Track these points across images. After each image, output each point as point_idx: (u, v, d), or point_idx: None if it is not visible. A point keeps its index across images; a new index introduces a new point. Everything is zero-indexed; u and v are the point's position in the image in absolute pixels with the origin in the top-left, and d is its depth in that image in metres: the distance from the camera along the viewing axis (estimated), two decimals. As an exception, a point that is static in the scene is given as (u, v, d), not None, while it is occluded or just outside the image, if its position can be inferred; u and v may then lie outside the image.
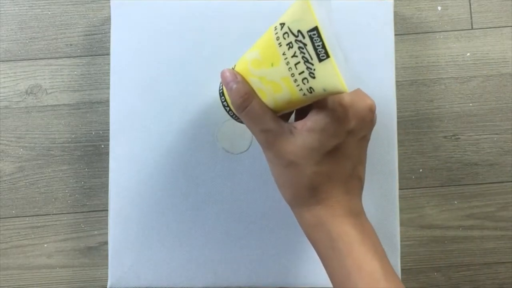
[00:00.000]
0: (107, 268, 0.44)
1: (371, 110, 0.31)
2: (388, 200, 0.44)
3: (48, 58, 0.50)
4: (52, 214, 0.50)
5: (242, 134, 0.44)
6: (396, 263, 0.44)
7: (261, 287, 0.44)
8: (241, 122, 0.34)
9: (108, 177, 0.44)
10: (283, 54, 0.27)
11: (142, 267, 0.44)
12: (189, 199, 0.44)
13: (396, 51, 0.49)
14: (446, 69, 0.51)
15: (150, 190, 0.44)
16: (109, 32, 0.45)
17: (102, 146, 0.50)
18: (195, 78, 0.44)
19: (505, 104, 0.50)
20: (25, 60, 0.50)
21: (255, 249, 0.44)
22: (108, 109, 0.44)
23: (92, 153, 0.50)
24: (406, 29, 0.51)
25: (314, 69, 0.26)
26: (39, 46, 0.50)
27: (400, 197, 0.45)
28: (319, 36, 0.25)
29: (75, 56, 0.50)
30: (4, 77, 0.50)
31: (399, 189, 0.45)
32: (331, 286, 0.44)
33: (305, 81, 0.27)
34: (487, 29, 0.51)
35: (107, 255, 0.44)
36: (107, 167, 0.44)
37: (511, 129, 0.50)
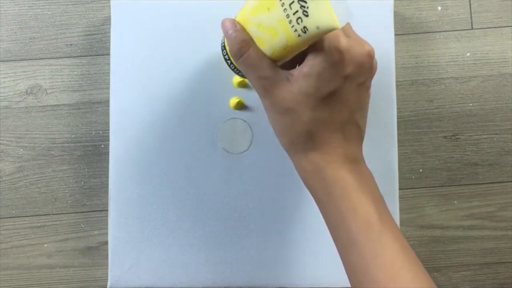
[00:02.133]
0: (107, 268, 0.44)
1: (370, 56, 0.31)
2: (388, 200, 0.44)
3: (48, 58, 0.50)
4: (52, 214, 0.50)
5: (242, 134, 0.44)
6: (396, 263, 0.44)
7: (261, 287, 0.44)
8: (242, 75, 0.35)
9: (108, 177, 0.44)
10: None
11: (142, 267, 0.44)
12: (189, 199, 0.44)
13: (396, 51, 0.49)
14: (446, 69, 0.51)
15: (150, 190, 0.44)
16: (109, 32, 0.45)
17: (102, 146, 0.50)
18: (195, 78, 0.44)
19: (505, 104, 0.50)
20: (25, 60, 0.50)
21: (255, 249, 0.44)
22: (108, 109, 0.44)
23: (92, 153, 0.50)
24: (406, 29, 0.51)
25: (307, 7, 0.27)
26: (39, 46, 0.50)
27: (400, 197, 0.45)
28: None
29: (75, 56, 0.50)
30: (4, 77, 0.50)
31: (399, 189, 0.45)
32: (331, 286, 0.44)
33: (299, 20, 0.27)
34: (487, 29, 0.51)
35: (107, 255, 0.44)
36: (107, 167, 0.44)
37: (511, 129, 0.50)
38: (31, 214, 0.49)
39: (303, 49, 0.30)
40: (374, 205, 0.30)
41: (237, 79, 0.44)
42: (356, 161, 0.32)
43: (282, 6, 0.28)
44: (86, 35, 0.51)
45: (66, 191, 0.50)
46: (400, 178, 0.45)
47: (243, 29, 0.30)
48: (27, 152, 0.50)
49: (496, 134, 0.50)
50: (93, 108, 0.50)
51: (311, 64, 0.29)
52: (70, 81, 0.50)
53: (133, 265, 0.44)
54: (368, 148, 0.44)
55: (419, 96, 0.50)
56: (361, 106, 0.32)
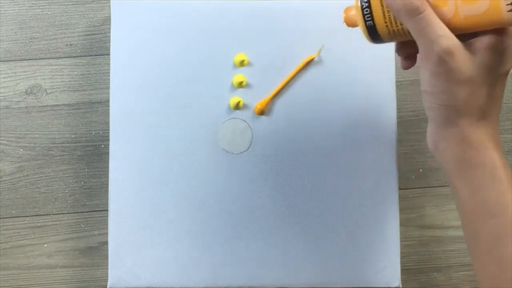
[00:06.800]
0: (107, 268, 0.44)
1: None
2: (388, 200, 0.44)
3: (48, 58, 0.50)
4: (52, 214, 0.50)
5: (242, 134, 0.44)
6: (396, 263, 0.44)
7: (261, 287, 0.44)
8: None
9: (108, 177, 0.44)
10: None
11: (142, 267, 0.44)
12: (189, 199, 0.44)
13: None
14: (446, 69, 0.51)
15: (150, 190, 0.44)
16: (109, 32, 0.45)
17: (102, 146, 0.50)
18: (195, 78, 0.44)
19: (505, 104, 0.50)
20: (25, 60, 0.50)
21: (255, 249, 0.44)
22: (108, 109, 0.44)
23: (92, 153, 0.50)
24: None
25: None
26: (39, 46, 0.50)
27: (400, 197, 0.44)
28: None
29: (75, 56, 0.50)
30: (4, 77, 0.50)
31: (399, 189, 0.45)
32: (331, 286, 0.44)
33: None
34: (487, 29, 0.51)
35: (107, 255, 0.44)
36: (107, 167, 0.44)
37: (511, 129, 0.50)
38: (31, 214, 0.49)
39: (495, 27, 0.27)
40: None
41: (237, 79, 0.44)
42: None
43: None
44: (86, 35, 0.51)
45: (66, 191, 0.50)
46: (400, 178, 0.45)
47: None
48: (27, 152, 0.50)
49: (496, 134, 0.50)
50: (93, 108, 0.50)
51: (497, 37, 0.27)
52: (70, 81, 0.50)
53: (133, 265, 0.44)
54: (368, 148, 0.44)
55: (419, 96, 0.50)
56: None
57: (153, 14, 0.45)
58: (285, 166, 0.44)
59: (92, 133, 0.50)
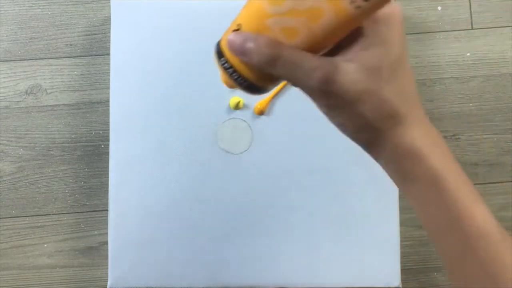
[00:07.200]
0: (107, 268, 0.44)
1: (400, 12, 0.26)
2: (388, 200, 0.44)
3: (48, 58, 0.50)
4: (52, 214, 0.50)
5: (242, 134, 0.44)
6: (396, 263, 0.44)
7: (261, 287, 0.44)
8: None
9: (108, 177, 0.44)
10: None
11: (142, 267, 0.44)
12: (189, 199, 0.44)
13: (396, 51, 0.49)
14: (446, 69, 0.51)
15: (149, 190, 0.44)
16: (109, 32, 0.45)
17: (102, 146, 0.50)
18: (195, 78, 0.44)
19: (505, 104, 0.50)
20: (25, 60, 0.50)
21: (255, 249, 0.44)
22: (108, 109, 0.44)
23: (92, 153, 0.50)
24: (406, 29, 0.51)
25: None
26: (39, 46, 0.50)
27: (400, 197, 0.44)
28: None
29: (75, 56, 0.50)
30: (4, 77, 0.50)
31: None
32: (331, 286, 0.44)
33: None
34: (487, 29, 0.51)
35: (107, 255, 0.44)
36: (107, 167, 0.44)
37: (511, 129, 0.50)
38: (31, 214, 0.49)
39: (355, 27, 0.24)
40: (481, 201, 0.25)
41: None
42: (437, 135, 0.26)
43: None
44: (86, 35, 0.51)
45: (66, 191, 0.50)
46: (400, 178, 0.45)
47: (260, 32, 0.25)
48: (27, 152, 0.50)
49: (496, 134, 0.50)
50: (93, 108, 0.50)
51: (368, 32, 0.24)
52: (70, 81, 0.50)
53: (133, 265, 0.44)
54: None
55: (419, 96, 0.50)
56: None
57: (153, 14, 0.45)
58: (284, 166, 0.44)
59: (92, 133, 0.50)
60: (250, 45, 0.25)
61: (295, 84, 0.25)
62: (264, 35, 0.24)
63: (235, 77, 0.26)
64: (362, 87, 0.24)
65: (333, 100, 0.25)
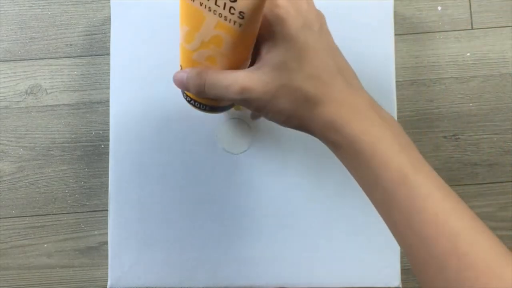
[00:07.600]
0: (107, 268, 0.44)
1: (309, 2, 0.30)
2: (388, 200, 0.44)
3: (48, 58, 0.50)
4: (52, 214, 0.50)
5: (242, 134, 0.44)
6: (396, 263, 0.44)
7: (261, 287, 0.44)
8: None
9: (108, 177, 0.44)
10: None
11: (142, 267, 0.44)
12: (189, 199, 0.44)
13: (396, 51, 0.49)
14: (446, 69, 0.51)
15: (149, 190, 0.44)
16: (109, 32, 0.45)
17: (102, 146, 0.50)
18: (195, 78, 0.44)
19: (505, 104, 0.50)
20: (25, 60, 0.50)
21: (255, 249, 0.44)
22: (108, 109, 0.44)
23: (92, 153, 0.50)
24: (406, 29, 0.51)
25: None
26: (39, 46, 0.50)
27: (400, 197, 0.44)
28: None
29: (75, 56, 0.50)
30: (4, 77, 0.50)
31: (399, 189, 0.45)
32: (331, 286, 0.44)
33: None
34: (487, 29, 0.51)
35: (107, 255, 0.44)
36: (107, 167, 0.44)
37: (511, 129, 0.50)
38: (31, 214, 0.49)
39: (253, 38, 0.28)
40: (405, 153, 0.28)
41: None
42: (373, 106, 0.29)
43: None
44: (86, 35, 0.51)
45: (66, 191, 0.50)
46: (400, 178, 0.45)
47: (191, 65, 0.29)
48: (27, 152, 0.50)
49: (496, 134, 0.50)
50: (93, 108, 0.50)
51: (268, 37, 0.28)
52: (70, 81, 0.50)
53: (133, 265, 0.44)
54: (368, 148, 0.44)
55: (419, 96, 0.50)
56: (336, 49, 0.31)
57: (153, 14, 0.45)
58: (284, 166, 0.44)
59: (92, 133, 0.50)
60: (185, 79, 0.29)
61: (224, 100, 0.30)
62: (195, 68, 0.29)
63: (197, 105, 0.32)
64: (273, 85, 0.27)
65: (256, 104, 0.28)
